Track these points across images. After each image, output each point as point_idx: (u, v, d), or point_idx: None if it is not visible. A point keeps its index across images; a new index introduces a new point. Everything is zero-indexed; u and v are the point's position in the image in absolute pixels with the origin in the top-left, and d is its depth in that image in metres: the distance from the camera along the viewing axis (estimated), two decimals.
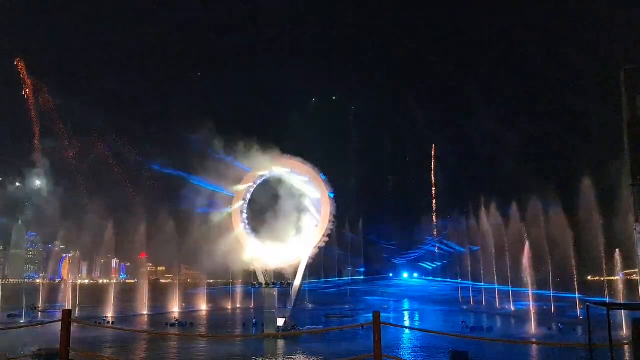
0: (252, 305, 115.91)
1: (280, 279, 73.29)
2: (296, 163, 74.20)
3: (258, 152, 74.10)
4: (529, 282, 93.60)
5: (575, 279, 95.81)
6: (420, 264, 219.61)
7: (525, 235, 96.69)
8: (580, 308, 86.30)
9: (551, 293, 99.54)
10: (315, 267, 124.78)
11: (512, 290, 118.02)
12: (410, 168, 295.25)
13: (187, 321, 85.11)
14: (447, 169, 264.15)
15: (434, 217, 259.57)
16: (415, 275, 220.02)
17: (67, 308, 17.25)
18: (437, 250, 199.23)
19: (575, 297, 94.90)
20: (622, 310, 45.62)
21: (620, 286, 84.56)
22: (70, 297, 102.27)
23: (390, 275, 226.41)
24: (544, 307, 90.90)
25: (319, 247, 74.28)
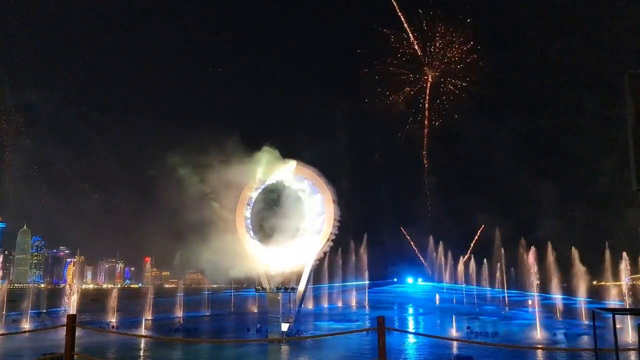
0: (255, 310, 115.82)
1: (285, 284, 73.17)
2: (300, 167, 74.23)
3: (263, 156, 74.12)
4: (534, 286, 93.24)
5: (580, 284, 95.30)
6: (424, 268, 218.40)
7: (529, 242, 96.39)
8: (585, 313, 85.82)
9: (555, 296, 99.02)
10: (319, 272, 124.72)
11: (517, 295, 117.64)
12: (405, 169, 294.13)
13: (191, 326, 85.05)
14: (439, 170, 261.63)
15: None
16: (420, 280, 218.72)
17: (71, 313, 17.30)
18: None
19: (581, 302, 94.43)
20: (628, 316, 45.33)
21: (626, 290, 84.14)
22: (75, 301, 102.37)
23: (395, 280, 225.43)
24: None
25: (323, 252, 74.25)
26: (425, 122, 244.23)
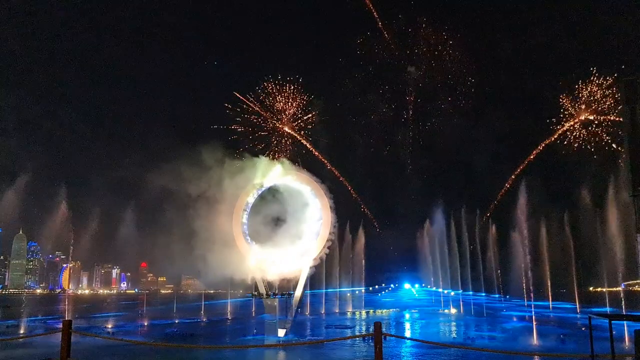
0: (252, 316, 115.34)
1: (281, 290, 73.04)
2: (297, 172, 74.29)
3: (259, 162, 74.21)
4: (531, 293, 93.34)
5: (576, 290, 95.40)
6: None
7: (526, 246, 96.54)
8: (582, 319, 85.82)
9: (551, 303, 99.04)
10: (317, 277, 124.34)
11: (514, 301, 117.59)
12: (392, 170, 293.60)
13: (188, 331, 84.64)
14: (426, 172, 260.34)
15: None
16: (417, 286, 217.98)
17: (67, 318, 17.25)
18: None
19: (577, 308, 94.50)
20: (625, 322, 45.39)
21: (622, 296, 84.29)
22: (71, 307, 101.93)
23: (392, 286, 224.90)
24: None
25: (320, 258, 74.19)
26: (410, 125, 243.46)
